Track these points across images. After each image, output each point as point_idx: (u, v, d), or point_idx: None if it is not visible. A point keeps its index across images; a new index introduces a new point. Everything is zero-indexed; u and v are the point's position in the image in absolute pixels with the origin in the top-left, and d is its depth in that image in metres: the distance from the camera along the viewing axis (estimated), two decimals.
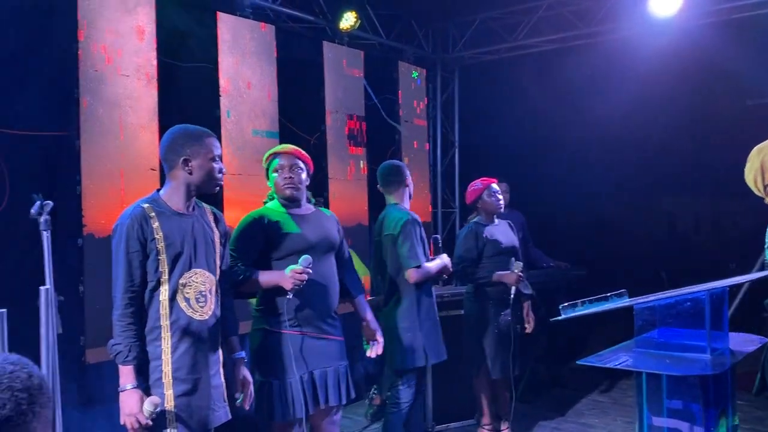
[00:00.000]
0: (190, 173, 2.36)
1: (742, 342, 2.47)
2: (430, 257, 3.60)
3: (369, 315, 3.06)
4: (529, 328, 4.18)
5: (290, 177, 2.85)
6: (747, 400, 4.48)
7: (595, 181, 7.33)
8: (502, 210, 4.14)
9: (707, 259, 7.21)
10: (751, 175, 2.42)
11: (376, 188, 3.79)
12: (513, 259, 3.95)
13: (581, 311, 2.23)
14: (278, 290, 2.67)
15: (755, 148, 2.46)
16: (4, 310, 1.94)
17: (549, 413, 4.78)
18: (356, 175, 5.40)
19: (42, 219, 1.95)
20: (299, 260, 2.63)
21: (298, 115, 5.02)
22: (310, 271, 2.62)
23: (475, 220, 4.13)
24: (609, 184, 7.75)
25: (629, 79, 6.01)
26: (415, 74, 6.18)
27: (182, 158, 2.35)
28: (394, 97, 5.98)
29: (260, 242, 2.76)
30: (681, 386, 2.30)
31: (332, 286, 2.85)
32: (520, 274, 3.89)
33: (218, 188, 2.45)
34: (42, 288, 1.86)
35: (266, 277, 2.70)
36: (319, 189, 4.85)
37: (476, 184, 4.13)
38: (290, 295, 2.63)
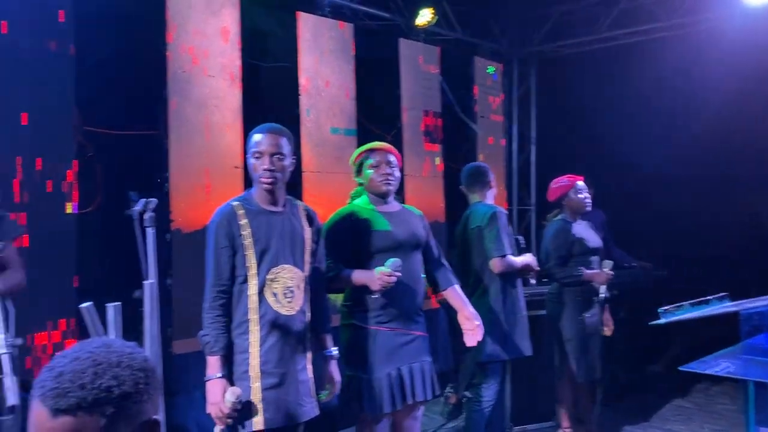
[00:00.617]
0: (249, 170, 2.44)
1: None
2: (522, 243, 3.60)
3: (464, 303, 2.99)
4: (608, 330, 4.04)
5: (388, 173, 2.86)
6: None
7: (678, 180, 7.04)
8: (589, 209, 4.01)
9: None
10: None
11: (452, 185, 3.79)
12: (599, 258, 3.85)
13: (683, 315, 2.13)
14: (367, 288, 2.68)
15: None
16: (119, 303, 2.01)
17: (632, 418, 4.62)
18: (432, 172, 5.37)
19: (147, 216, 2.01)
20: (387, 263, 2.61)
21: (375, 112, 5.04)
22: (399, 274, 2.62)
23: (560, 217, 4.02)
24: (695, 182, 7.42)
25: (719, 71, 5.72)
26: (491, 69, 6.10)
27: (247, 156, 2.46)
28: (470, 93, 5.92)
29: (350, 239, 2.77)
30: None
31: (418, 283, 2.85)
32: (611, 273, 3.78)
33: (264, 183, 2.40)
34: (146, 282, 1.92)
35: (355, 276, 2.72)
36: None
37: (562, 180, 4.02)
38: (377, 295, 2.64)
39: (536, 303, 4.27)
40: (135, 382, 0.99)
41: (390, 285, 2.62)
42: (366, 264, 2.74)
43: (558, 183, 4.04)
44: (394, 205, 2.93)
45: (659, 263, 5.60)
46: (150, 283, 1.97)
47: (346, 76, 4.73)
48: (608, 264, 3.83)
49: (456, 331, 3.25)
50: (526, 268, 3.55)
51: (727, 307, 2.24)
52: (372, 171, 2.86)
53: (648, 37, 5.77)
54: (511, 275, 3.52)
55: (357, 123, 4.79)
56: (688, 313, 2.14)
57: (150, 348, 1.93)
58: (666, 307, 2.14)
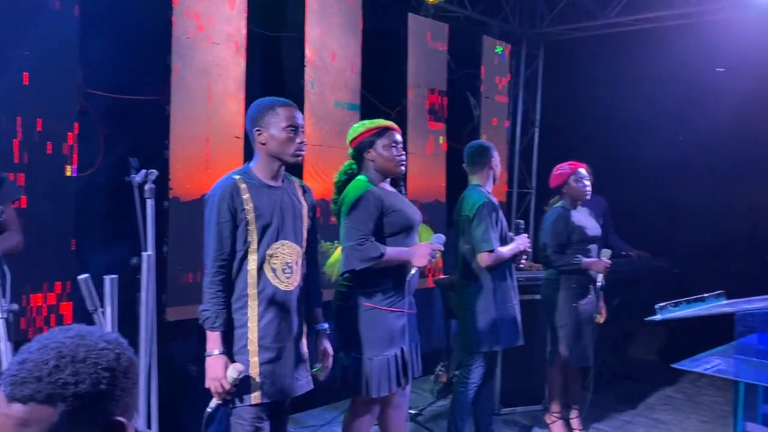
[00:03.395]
0: (264, 144, 2.39)
1: None
2: (513, 238, 3.55)
3: None
4: (601, 318, 4.06)
5: (404, 154, 2.88)
6: None
7: (682, 170, 7.00)
8: (589, 197, 4.00)
9: None
10: None
11: (454, 165, 3.75)
12: (597, 247, 3.87)
13: (678, 313, 2.13)
14: (381, 269, 2.68)
15: None
16: (116, 276, 2.01)
17: (620, 406, 4.67)
18: (435, 151, 5.33)
19: (147, 187, 2.00)
20: (432, 238, 2.71)
21: (380, 87, 4.98)
22: (443, 248, 2.66)
23: (559, 204, 4.02)
24: (698, 174, 7.39)
25: (729, 64, 5.67)
26: (499, 49, 6.02)
27: (255, 129, 2.40)
28: (476, 72, 5.85)
29: (378, 216, 2.73)
30: None
31: None
32: (608, 262, 3.79)
33: (298, 158, 2.43)
34: (144, 253, 1.91)
35: (396, 253, 2.71)
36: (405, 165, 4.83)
37: (563, 167, 4.01)
38: (415, 270, 2.67)
39: (531, 288, 4.29)
40: (96, 381, 0.95)
41: (435, 259, 2.70)
42: (383, 242, 2.73)
43: (559, 170, 4.02)
44: (389, 186, 2.91)
45: (658, 253, 5.60)
46: (148, 254, 1.96)
47: (352, 49, 4.67)
48: (607, 253, 3.85)
49: (449, 312, 3.28)
50: (517, 255, 3.51)
51: (723, 306, 2.24)
52: (387, 151, 2.84)
53: (658, 24, 5.69)
54: (501, 266, 3.48)
55: (361, 98, 4.74)
56: (684, 310, 2.14)
57: (144, 319, 1.93)
58: (662, 304, 2.14)
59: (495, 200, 3.51)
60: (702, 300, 2.26)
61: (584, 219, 3.99)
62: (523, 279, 4.40)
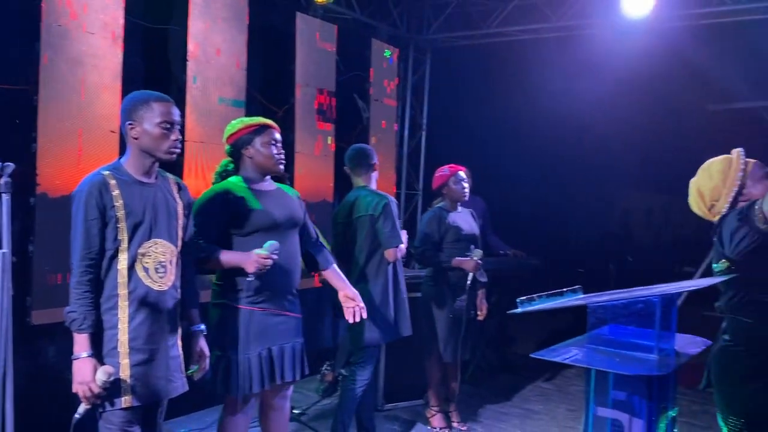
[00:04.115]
0: (136, 138, 2.32)
1: (688, 344, 2.57)
2: None
3: (345, 282, 3.03)
4: (481, 315, 4.26)
5: (283, 152, 2.86)
6: (687, 393, 4.67)
7: (556, 173, 7.45)
8: (467, 198, 4.19)
9: (658, 256, 7.42)
10: (694, 205, 2.58)
11: (342, 166, 3.80)
12: (472, 246, 4.02)
13: (537, 306, 2.28)
14: (240, 268, 2.64)
15: (690, 182, 2.59)
16: None
17: (495, 398, 4.89)
18: (324, 151, 5.36)
19: (2, 181, 1.88)
20: (265, 246, 2.58)
21: (267, 85, 4.94)
22: (276, 257, 2.60)
23: (439, 205, 4.18)
24: (570, 176, 7.88)
25: (597, 75, 6.09)
26: (387, 53, 6.14)
27: (128, 123, 2.33)
28: (366, 75, 5.93)
29: (225, 218, 2.71)
30: (627, 381, 2.39)
31: (295, 265, 2.85)
32: (478, 261, 3.96)
33: (173, 156, 2.37)
34: None
35: (228, 257, 2.66)
36: (286, 164, 4.81)
37: (444, 170, 4.17)
38: (251, 277, 2.60)
39: (411, 286, 4.41)
40: None
41: (266, 268, 2.60)
42: (241, 244, 2.70)
43: (440, 172, 4.19)
44: (270, 184, 2.89)
45: (534, 252, 5.91)
46: (3, 252, 1.85)
47: (238, 45, 4.60)
48: (478, 252, 4.01)
49: (336, 311, 3.31)
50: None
51: (576, 300, 2.42)
52: (267, 149, 2.81)
53: (537, 36, 6.01)
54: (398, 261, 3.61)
55: (247, 95, 4.68)
56: (542, 303, 2.29)
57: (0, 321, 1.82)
58: (523, 297, 2.28)
59: (393, 198, 3.66)
60: (560, 294, 2.43)
61: (461, 219, 4.16)
62: (407, 277, 4.52)
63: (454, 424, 4.25)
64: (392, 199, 3.61)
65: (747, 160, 2.48)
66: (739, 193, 2.43)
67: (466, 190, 4.16)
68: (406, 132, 6.63)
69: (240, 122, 2.88)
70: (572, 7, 5.61)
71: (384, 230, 3.49)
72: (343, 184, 3.86)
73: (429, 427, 4.23)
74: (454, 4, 6.13)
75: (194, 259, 2.59)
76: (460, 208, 4.21)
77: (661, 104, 6.64)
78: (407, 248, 3.76)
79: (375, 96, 6.00)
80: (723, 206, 2.44)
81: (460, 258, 4.01)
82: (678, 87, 6.40)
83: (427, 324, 4.11)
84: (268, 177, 2.89)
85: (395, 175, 6.43)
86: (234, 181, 2.81)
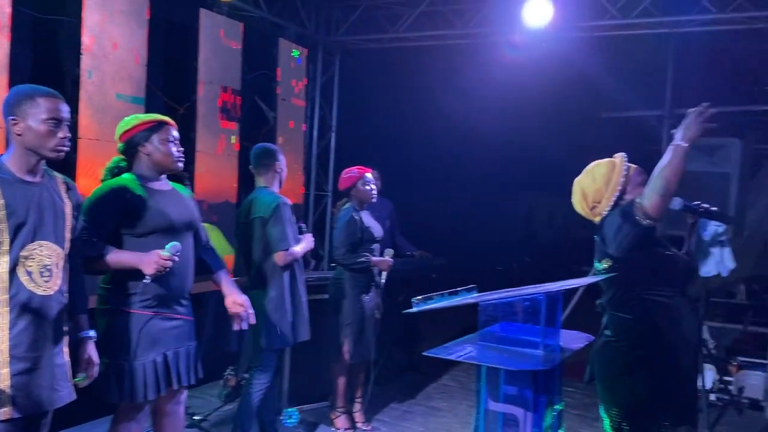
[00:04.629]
0: (20, 135, 2.21)
1: (572, 339, 2.72)
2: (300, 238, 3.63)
3: (233, 288, 2.97)
4: (378, 314, 4.28)
5: (182, 150, 2.78)
6: (580, 387, 4.90)
7: (463, 176, 7.64)
8: (374, 200, 4.22)
9: (558, 255, 7.76)
10: (578, 205, 2.69)
11: (247, 166, 3.75)
12: (380, 246, 4.11)
13: (432, 305, 2.33)
14: (133, 271, 2.55)
15: (575, 182, 2.72)
16: None
17: (401, 396, 4.97)
18: (227, 150, 5.25)
19: None
20: (167, 246, 2.52)
21: (169, 82, 4.79)
22: (177, 259, 2.53)
23: (348, 206, 4.18)
24: (476, 179, 8.10)
25: (500, 82, 6.30)
26: (296, 53, 6.10)
27: (11, 118, 2.22)
28: (273, 74, 5.87)
29: (118, 217, 2.60)
30: (516, 376, 2.49)
31: (189, 267, 2.78)
32: (392, 260, 4.04)
33: (60, 154, 2.26)
34: None
35: (123, 257, 2.57)
36: (185, 162, 4.67)
37: (351, 171, 4.19)
38: (148, 279, 2.52)
39: (320, 287, 4.41)
40: None
41: (165, 270, 2.53)
42: (133, 245, 2.61)
43: (347, 173, 4.20)
44: (165, 184, 2.81)
45: (440, 252, 6.03)
46: None
47: (137, 39, 4.44)
48: (389, 252, 4.13)
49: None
50: (306, 252, 3.65)
51: (469, 298, 2.50)
52: (165, 146, 2.73)
53: (443, 42, 6.16)
54: (293, 264, 3.57)
55: (147, 91, 4.52)
56: (437, 303, 2.35)
57: None
58: (418, 297, 2.33)
59: (287, 200, 3.59)
60: (456, 293, 2.50)
61: (370, 220, 4.21)
62: (313, 279, 4.52)
63: (359, 425, 4.28)
64: (285, 201, 3.54)
65: (630, 165, 2.61)
66: (620, 198, 2.57)
67: (374, 192, 4.20)
68: (315, 133, 6.62)
69: (135, 118, 2.79)
70: (476, 15, 5.78)
71: (272, 233, 3.45)
72: (248, 184, 3.80)
73: (333, 429, 4.24)
74: (363, 7, 6.18)
75: (83, 258, 2.48)
76: (365, 210, 4.25)
77: (558, 110, 6.96)
78: (315, 250, 3.76)
79: (282, 96, 5.95)
80: (604, 208, 2.57)
81: (377, 258, 4.07)
82: (574, 94, 6.73)
83: (336, 325, 4.12)
84: (163, 176, 2.81)
85: (304, 176, 6.41)
86: (128, 179, 2.71)
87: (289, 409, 4.33)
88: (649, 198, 2.26)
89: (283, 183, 3.73)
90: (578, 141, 6.86)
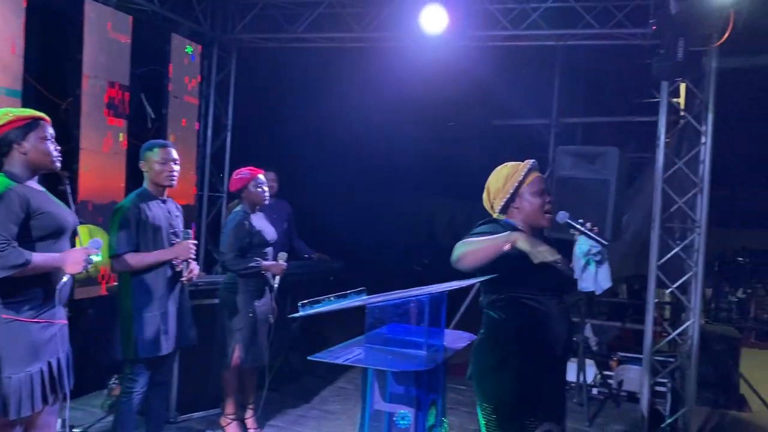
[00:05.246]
0: None
1: (455, 339, 2.79)
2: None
3: None
4: (272, 318, 4.19)
5: (59, 148, 2.63)
6: (469, 385, 5.03)
7: (363, 179, 7.67)
8: (267, 203, 4.14)
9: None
10: (485, 200, 2.75)
11: (136, 164, 3.57)
12: (274, 249, 4.04)
13: (319, 308, 2.32)
14: (26, 277, 2.42)
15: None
16: None
17: (295, 401, 4.91)
18: (114, 149, 5.00)
19: None
20: (89, 242, 2.50)
21: (49, 75, 4.51)
22: (99, 253, 2.42)
23: (240, 208, 4.08)
24: (376, 182, 8.16)
25: (396, 86, 6.39)
26: (189, 49, 5.91)
27: None
28: (164, 70, 5.66)
29: (25, 219, 2.45)
30: (402, 376, 2.52)
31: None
32: (285, 264, 3.97)
33: None
34: None
35: (45, 259, 2.45)
36: (67, 161, 4.40)
37: (243, 172, 4.09)
38: (66, 278, 2.45)
39: (210, 292, 4.29)
40: None
41: (88, 267, 2.51)
42: (30, 248, 2.45)
43: (239, 175, 4.10)
44: (38, 185, 2.66)
45: (338, 255, 6.03)
46: None
47: (13, 28, 4.13)
48: (283, 256, 4.06)
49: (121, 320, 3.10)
50: (171, 259, 3.41)
51: (356, 301, 2.50)
52: (43, 145, 2.58)
53: (341, 44, 6.16)
54: (161, 268, 3.36)
55: (24, 84, 4.23)
56: (325, 306, 2.34)
57: None
58: (305, 301, 2.31)
59: (144, 204, 3.36)
60: (345, 296, 2.49)
61: (262, 223, 4.12)
62: (203, 284, 4.39)
63: (250, 431, 4.19)
64: (135, 204, 3.31)
65: (532, 172, 2.63)
66: (511, 200, 2.62)
67: (266, 194, 4.12)
68: (210, 131, 6.43)
69: (7, 113, 2.60)
70: (374, 19, 5.83)
71: (109, 238, 3.28)
72: (137, 184, 3.62)
73: None
74: (261, 5, 6.08)
75: (8, 269, 2.32)
76: (258, 212, 4.16)
77: (452, 117, 7.15)
78: (210, 254, 3.63)
79: (174, 93, 5.74)
80: (497, 206, 2.64)
81: (267, 262, 3.98)
82: (468, 102, 6.94)
83: (228, 330, 4.02)
84: (36, 176, 2.64)
85: (196, 176, 6.21)
86: (4, 179, 2.52)
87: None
88: (454, 252, 2.37)
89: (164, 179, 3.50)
90: (474, 147, 7.08)
